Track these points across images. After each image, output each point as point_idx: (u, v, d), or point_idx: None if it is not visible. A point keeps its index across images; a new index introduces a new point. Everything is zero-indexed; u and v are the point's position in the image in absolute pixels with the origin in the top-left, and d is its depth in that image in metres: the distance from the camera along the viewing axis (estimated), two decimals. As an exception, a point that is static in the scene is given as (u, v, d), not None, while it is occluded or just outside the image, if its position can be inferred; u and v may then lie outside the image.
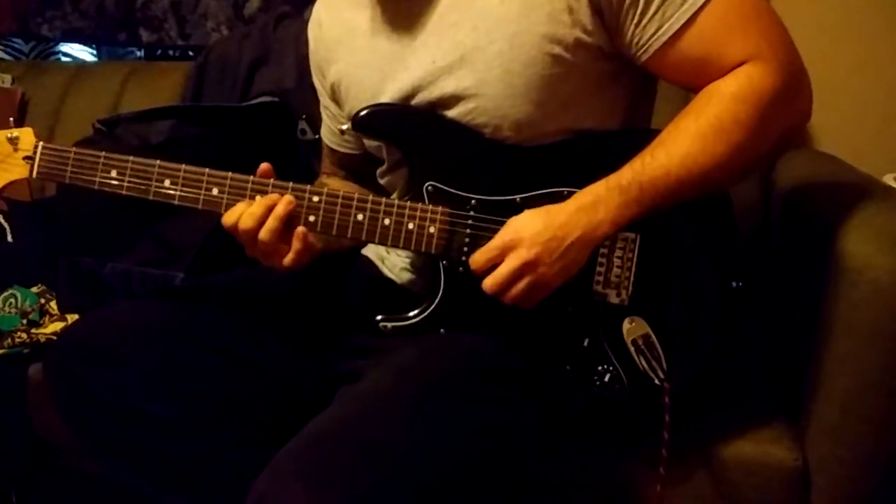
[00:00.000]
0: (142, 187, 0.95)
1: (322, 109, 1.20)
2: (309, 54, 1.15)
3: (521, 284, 0.88)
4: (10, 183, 0.98)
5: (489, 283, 0.89)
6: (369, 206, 0.94)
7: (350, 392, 0.86)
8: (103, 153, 0.95)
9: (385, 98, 0.99)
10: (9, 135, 0.96)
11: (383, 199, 0.94)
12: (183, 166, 0.94)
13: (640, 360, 0.94)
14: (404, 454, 0.76)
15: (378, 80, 1.00)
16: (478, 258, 0.90)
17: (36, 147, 0.96)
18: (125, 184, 0.95)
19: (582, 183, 0.91)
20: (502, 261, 0.89)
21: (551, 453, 0.99)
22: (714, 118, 0.87)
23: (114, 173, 0.95)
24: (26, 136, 0.97)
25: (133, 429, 0.95)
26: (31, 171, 0.97)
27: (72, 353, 0.96)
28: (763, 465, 1.01)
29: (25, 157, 0.96)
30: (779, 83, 0.87)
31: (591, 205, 0.88)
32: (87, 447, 1.00)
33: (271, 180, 0.94)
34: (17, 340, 1.33)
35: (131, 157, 0.95)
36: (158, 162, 0.95)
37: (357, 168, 1.18)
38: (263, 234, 0.91)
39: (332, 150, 1.20)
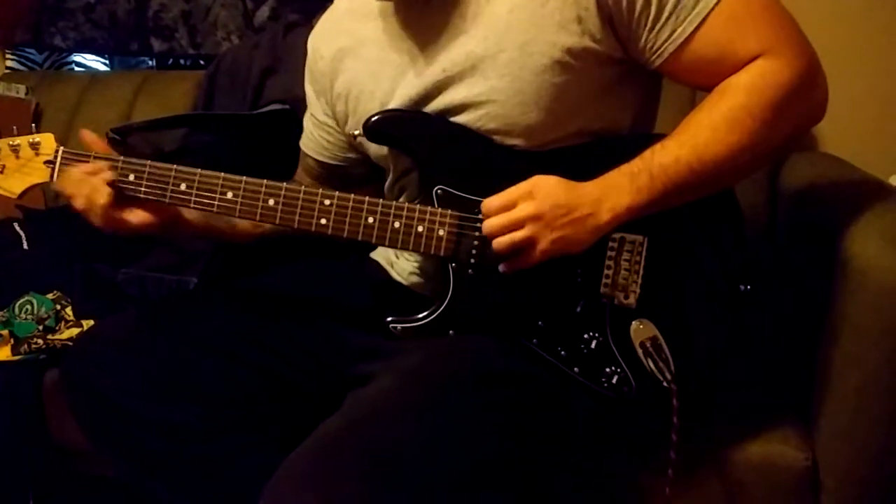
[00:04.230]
0: (158, 190, 0.96)
1: (306, 118, 1.20)
2: (307, 64, 1.16)
3: (518, 235, 0.88)
4: (32, 187, 0.99)
5: (490, 223, 0.90)
6: (380, 209, 0.94)
7: (359, 395, 0.87)
8: (121, 158, 0.97)
9: (394, 106, 0.99)
10: (31, 140, 0.98)
11: (393, 203, 0.95)
12: (199, 171, 0.95)
13: (648, 362, 0.94)
14: (413, 457, 0.77)
15: (388, 89, 1.01)
16: (493, 201, 0.90)
17: (56, 151, 0.98)
18: (142, 187, 0.96)
19: None
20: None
21: (558, 456, 0.99)
22: (727, 110, 0.88)
23: (132, 177, 0.96)
24: (47, 140, 0.99)
25: (147, 433, 0.96)
26: (52, 175, 0.98)
27: (87, 359, 0.98)
28: (773, 466, 1.01)
29: (46, 162, 0.98)
30: (793, 75, 0.88)
31: (604, 188, 0.89)
32: (102, 451, 1.01)
33: (287, 185, 0.95)
34: (33, 346, 1.34)
35: (149, 162, 0.96)
36: (175, 167, 0.96)
37: (326, 179, 1.19)
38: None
39: (307, 156, 1.21)
